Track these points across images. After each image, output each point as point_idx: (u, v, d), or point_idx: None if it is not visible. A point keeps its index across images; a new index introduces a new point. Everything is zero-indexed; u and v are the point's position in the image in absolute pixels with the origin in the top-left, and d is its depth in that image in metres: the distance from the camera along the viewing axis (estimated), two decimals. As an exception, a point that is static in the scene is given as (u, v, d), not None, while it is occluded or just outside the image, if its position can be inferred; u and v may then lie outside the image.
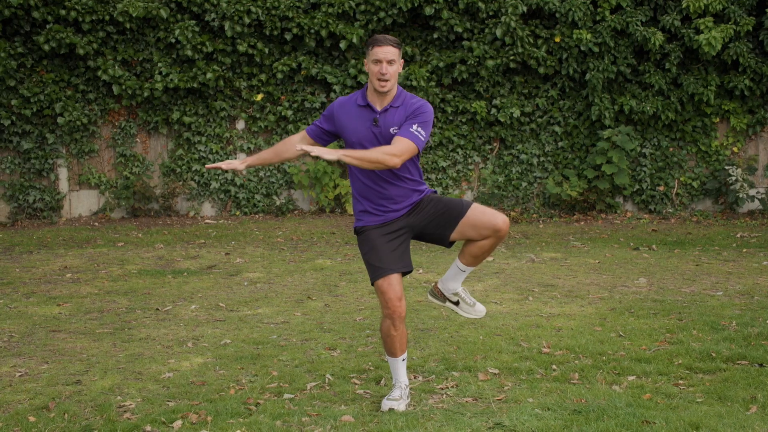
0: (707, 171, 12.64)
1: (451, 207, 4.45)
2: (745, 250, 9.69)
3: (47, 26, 11.71)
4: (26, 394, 4.81)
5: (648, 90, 12.36)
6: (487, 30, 12.18)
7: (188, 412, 4.43)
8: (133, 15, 11.73)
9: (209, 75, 12.01)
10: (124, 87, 12.00)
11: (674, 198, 12.63)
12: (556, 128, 12.56)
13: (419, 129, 4.28)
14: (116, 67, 11.95)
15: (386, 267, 4.37)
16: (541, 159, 12.67)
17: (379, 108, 4.37)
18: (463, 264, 4.58)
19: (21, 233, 11.27)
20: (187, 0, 12.03)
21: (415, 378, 5.00)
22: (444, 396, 4.69)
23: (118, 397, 4.72)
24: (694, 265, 8.68)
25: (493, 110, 12.44)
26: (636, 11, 12.12)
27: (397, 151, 4.21)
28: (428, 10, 12.02)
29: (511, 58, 12.19)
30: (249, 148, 12.50)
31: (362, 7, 12.14)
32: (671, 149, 12.59)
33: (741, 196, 12.11)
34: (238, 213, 12.57)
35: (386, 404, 4.47)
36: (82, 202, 12.44)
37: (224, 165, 4.46)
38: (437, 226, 4.46)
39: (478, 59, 12.21)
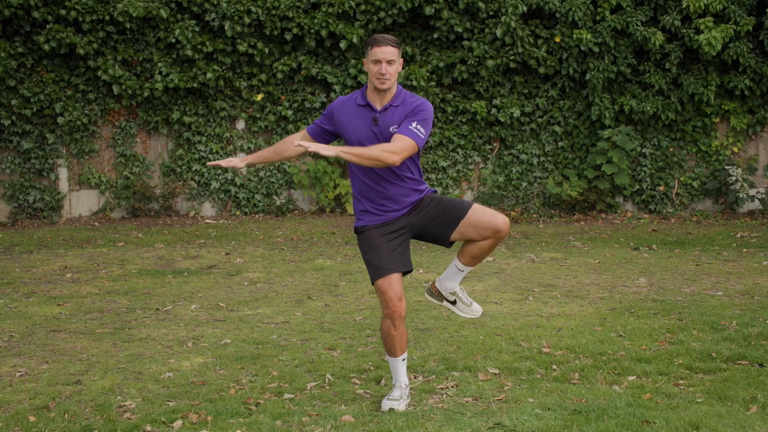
0: (707, 171, 12.64)
1: (451, 207, 4.45)
2: (745, 250, 9.69)
3: (47, 26, 11.71)
4: (26, 393, 4.81)
5: (648, 90, 12.36)
6: (487, 30, 12.18)
7: (188, 412, 4.43)
8: (134, 15, 11.73)
9: (209, 75, 12.01)
10: (124, 87, 12.00)
11: (674, 198, 12.64)
12: (556, 128, 12.56)
13: (419, 127, 4.27)
14: (116, 67, 11.96)
15: (386, 267, 4.37)
16: (541, 159, 12.67)
17: (379, 107, 4.37)
18: (461, 264, 4.58)
19: (21, 233, 11.27)
20: (187, 0, 12.03)
21: (415, 378, 5.00)
22: (444, 396, 4.69)
23: (119, 397, 4.72)
24: (694, 265, 8.68)
25: (494, 110, 12.45)
26: (636, 11, 12.12)
27: (397, 148, 4.20)
28: (428, 10, 12.02)
29: (512, 58, 12.19)
30: (249, 148, 12.50)
31: (362, 7, 12.14)
32: (671, 149, 12.59)
33: (741, 196, 12.11)
34: (238, 213, 12.57)
35: (386, 404, 4.47)
36: (83, 202, 12.44)
37: (224, 162, 4.47)
38: (438, 226, 4.46)
39: (478, 59, 12.21)
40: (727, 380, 4.79)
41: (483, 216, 4.41)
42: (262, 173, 12.64)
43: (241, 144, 12.53)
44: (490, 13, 12.17)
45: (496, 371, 5.07)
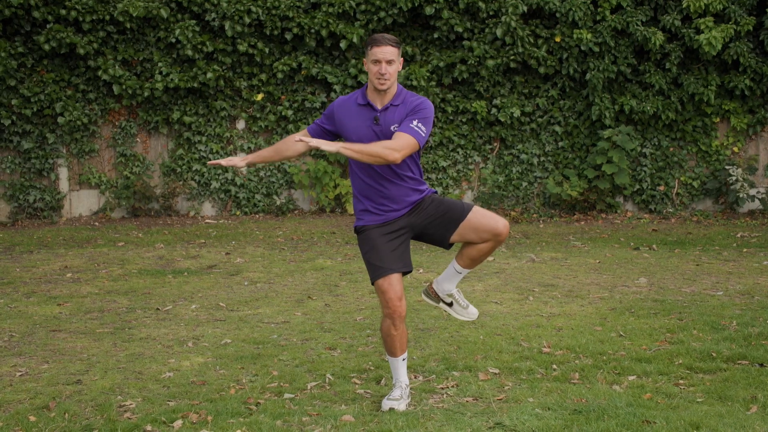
0: (707, 171, 12.64)
1: (452, 209, 4.45)
2: (745, 249, 9.69)
3: (47, 26, 11.71)
4: (27, 393, 4.81)
5: (648, 90, 12.36)
6: (487, 30, 12.18)
7: (189, 411, 4.43)
8: (134, 15, 11.73)
9: (209, 75, 12.01)
10: (124, 87, 12.00)
11: (674, 198, 12.63)
12: (557, 128, 12.56)
13: (420, 125, 4.27)
14: (116, 67, 11.96)
15: (386, 266, 4.37)
16: (542, 159, 12.67)
17: (379, 106, 4.37)
18: (459, 266, 4.59)
19: (21, 233, 11.27)
20: (187, 0, 12.03)
21: (415, 378, 5.00)
22: (444, 396, 4.69)
23: (119, 397, 4.72)
24: (694, 265, 8.68)
25: (494, 110, 12.44)
26: (636, 11, 12.12)
27: (398, 146, 4.20)
28: (428, 10, 12.02)
29: (512, 57, 12.19)
30: (249, 147, 12.50)
31: (362, 7, 12.14)
32: (671, 149, 12.59)
33: (741, 195, 12.11)
34: (238, 213, 12.57)
35: (386, 404, 4.47)
36: (83, 202, 12.44)
37: (225, 161, 4.47)
38: (438, 227, 4.46)
39: (478, 59, 12.21)
40: (728, 380, 4.79)
41: (483, 219, 4.41)
42: (262, 173, 12.64)
43: (242, 144, 12.53)
44: (491, 13, 12.17)
45: (497, 371, 5.07)
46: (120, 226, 11.63)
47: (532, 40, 12.17)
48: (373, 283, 4.42)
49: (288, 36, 12.22)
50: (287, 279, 8.16)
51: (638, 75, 12.39)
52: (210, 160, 12.39)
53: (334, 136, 4.55)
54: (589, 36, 12.00)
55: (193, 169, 12.47)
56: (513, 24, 11.92)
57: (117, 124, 12.40)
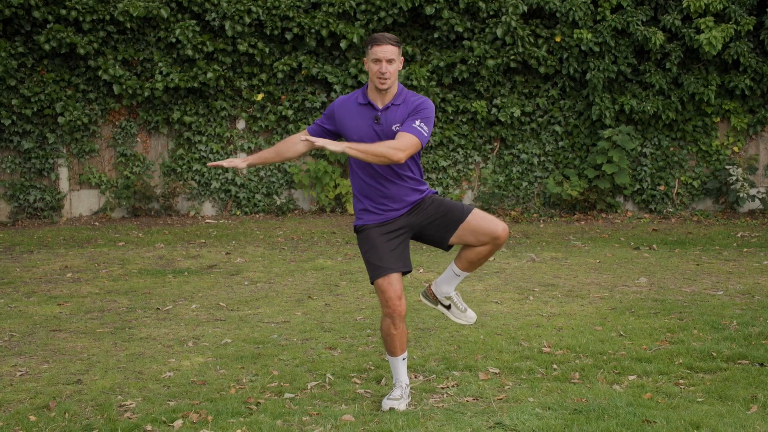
0: (708, 170, 12.64)
1: (452, 210, 4.45)
2: (745, 249, 9.69)
3: (48, 26, 11.71)
4: (27, 393, 4.81)
5: (648, 89, 12.36)
6: (487, 29, 12.18)
7: (189, 411, 4.43)
8: (134, 15, 11.73)
9: (210, 75, 12.02)
10: (124, 87, 12.00)
11: (675, 197, 12.63)
12: (557, 128, 12.56)
13: (422, 125, 4.28)
14: (117, 67, 11.96)
15: (386, 266, 4.37)
16: (542, 158, 12.67)
17: (380, 106, 4.37)
18: (458, 269, 4.58)
19: (21, 233, 11.27)
20: (187, 0, 12.03)
21: (415, 377, 5.00)
22: (444, 395, 4.69)
23: (119, 397, 4.72)
24: (694, 265, 8.68)
25: (494, 110, 12.44)
26: (636, 11, 12.12)
27: (402, 145, 4.21)
28: (429, 10, 12.02)
29: (512, 57, 12.19)
30: (249, 147, 12.50)
31: (363, 7, 12.14)
32: (672, 149, 12.59)
33: (741, 195, 12.11)
34: (238, 213, 12.57)
35: (387, 404, 4.47)
36: (83, 202, 12.44)
37: (226, 163, 4.47)
38: (437, 228, 4.46)
39: (478, 59, 12.21)
40: (728, 380, 4.80)
41: (482, 221, 4.41)
42: (262, 173, 12.65)
43: (242, 144, 12.53)
44: (491, 13, 12.17)
45: (497, 371, 5.07)
46: (120, 226, 11.63)
47: (532, 40, 12.17)
48: (372, 283, 4.43)
49: (288, 36, 12.22)
50: (287, 279, 8.16)
51: (638, 75, 12.39)
52: (210, 159, 12.39)
53: (334, 135, 4.55)
54: (590, 36, 12.00)
55: (194, 169, 12.47)
56: (513, 24, 11.92)
57: (117, 124, 12.40)
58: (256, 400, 4.64)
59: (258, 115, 12.52)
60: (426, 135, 4.28)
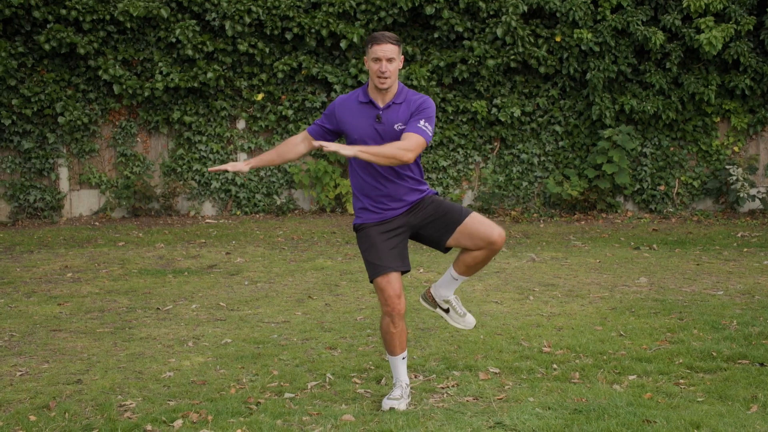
0: (708, 170, 12.64)
1: (450, 212, 4.46)
2: (745, 249, 9.69)
3: (48, 26, 11.71)
4: (27, 393, 4.81)
5: (649, 89, 12.35)
6: (487, 29, 12.18)
7: (189, 411, 4.43)
8: (134, 14, 11.74)
9: (210, 74, 12.02)
10: (124, 86, 12.00)
11: (675, 197, 12.63)
12: (557, 128, 12.56)
13: (426, 124, 4.30)
14: (117, 67, 11.96)
15: (385, 265, 4.37)
16: (542, 158, 12.67)
17: (381, 105, 4.37)
18: (456, 272, 4.59)
19: (22, 233, 11.27)
20: (187, 0, 12.03)
21: (415, 377, 5.00)
22: (445, 395, 4.69)
23: (119, 397, 4.72)
24: (694, 265, 8.67)
25: (494, 110, 12.44)
26: (637, 11, 12.12)
27: (410, 146, 4.23)
28: (429, 10, 12.02)
29: (512, 57, 12.19)
30: (249, 147, 12.50)
31: (363, 7, 12.14)
32: (672, 149, 12.59)
33: (742, 195, 12.11)
34: (238, 212, 12.58)
35: (387, 403, 4.46)
36: (83, 202, 12.44)
37: (229, 167, 4.46)
38: (435, 229, 4.47)
39: (478, 59, 12.21)
40: (728, 379, 4.79)
41: (480, 225, 4.41)
42: (262, 173, 12.65)
43: (242, 144, 12.53)
44: (491, 13, 12.17)
45: (497, 370, 5.07)
46: (120, 226, 11.63)
47: (532, 40, 12.17)
48: (371, 281, 4.43)
49: (288, 36, 12.22)
50: (287, 279, 8.16)
51: (638, 75, 12.39)
52: (210, 159, 12.40)
53: (335, 135, 4.55)
54: (590, 36, 11.99)
55: (194, 168, 12.47)
56: (513, 24, 11.92)
57: (117, 123, 12.40)
58: (256, 399, 4.63)
59: (258, 115, 12.52)
60: (430, 134, 4.32)
